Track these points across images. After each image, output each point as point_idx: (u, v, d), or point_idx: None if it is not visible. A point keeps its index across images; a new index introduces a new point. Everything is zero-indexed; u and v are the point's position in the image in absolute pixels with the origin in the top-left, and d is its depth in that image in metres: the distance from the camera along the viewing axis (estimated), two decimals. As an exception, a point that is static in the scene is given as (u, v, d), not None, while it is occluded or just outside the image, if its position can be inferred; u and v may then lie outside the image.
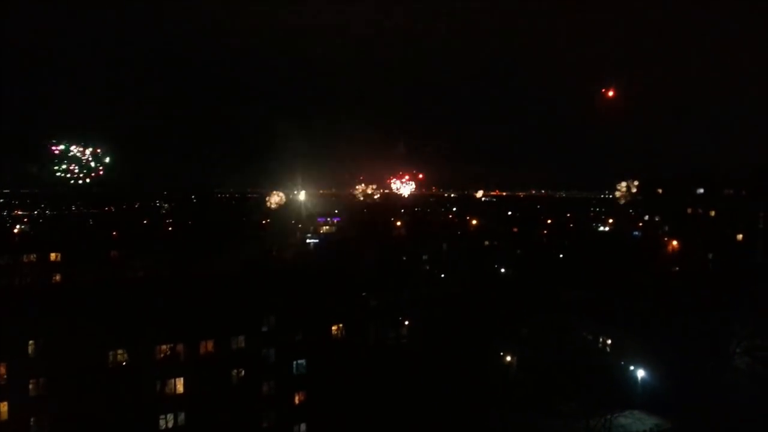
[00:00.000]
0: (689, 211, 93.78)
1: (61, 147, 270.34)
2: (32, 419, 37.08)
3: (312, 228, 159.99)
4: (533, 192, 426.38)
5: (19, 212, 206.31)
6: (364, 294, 58.49)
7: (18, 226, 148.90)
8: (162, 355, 40.82)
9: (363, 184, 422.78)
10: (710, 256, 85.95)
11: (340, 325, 47.97)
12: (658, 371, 53.47)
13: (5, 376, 36.75)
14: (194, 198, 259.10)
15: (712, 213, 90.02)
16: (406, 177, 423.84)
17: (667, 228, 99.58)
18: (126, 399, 38.67)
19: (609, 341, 60.22)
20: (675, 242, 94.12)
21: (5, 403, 36.60)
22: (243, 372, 43.41)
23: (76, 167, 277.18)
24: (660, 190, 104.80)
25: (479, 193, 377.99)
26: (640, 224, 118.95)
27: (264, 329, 44.56)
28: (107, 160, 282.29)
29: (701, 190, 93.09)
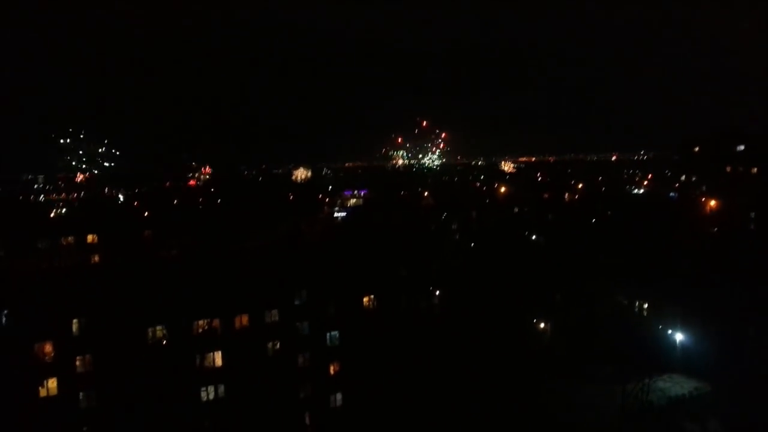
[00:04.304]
0: (728, 169, 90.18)
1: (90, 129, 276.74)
2: (81, 394, 38.55)
3: (339, 201, 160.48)
4: (563, 156, 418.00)
5: (55, 196, 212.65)
6: (393, 265, 58.45)
7: (55, 210, 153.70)
8: (200, 330, 41.74)
9: (389, 155, 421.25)
10: (752, 215, 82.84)
11: (371, 296, 48.15)
12: (698, 335, 52.34)
13: (53, 354, 38.17)
14: (221, 176, 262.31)
15: (754, 170, 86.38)
16: (434, 144, 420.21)
17: (704, 188, 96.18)
18: (168, 373, 39.83)
19: (645, 305, 59.09)
20: (713, 202, 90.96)
21: (54, 379, 38.10)
22: (278, 345, 44.13)
23: (104, 149, 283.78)
24: (697, 149, 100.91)
25: (507, 161, 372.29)
26: (677, 185, 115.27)
27: (297, 302, 45.05)
28: (135, 140, 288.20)
29: (741, 147, 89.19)
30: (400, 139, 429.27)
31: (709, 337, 51.00)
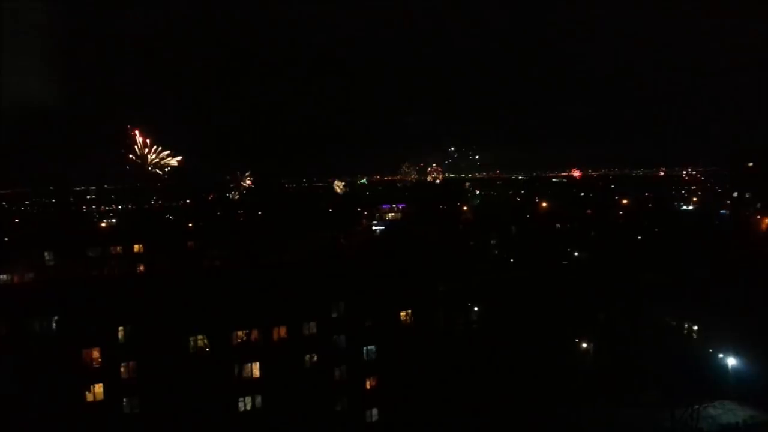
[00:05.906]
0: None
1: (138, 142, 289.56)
2: (125, 400, 39.62)
3: (377, 215, 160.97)
4: (608, 170, 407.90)
5: (105, 207, 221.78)
6: (431, 280, 58.10)
7: (104, 220, 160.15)
8: (239, 341, 42.37)
9: (427, 169, 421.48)
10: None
11: (409, 311, 47.82)
12: (753, 359, 49.66)
13: (100, 360, 39.43)
14: (262, 189, 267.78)
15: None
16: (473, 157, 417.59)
17: (759, 205, 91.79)
18: (208, 381, 40.51)
19: (695, 327, 56.59)
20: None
21: (101, 384, 39.33)
22: (315, 357, 44.30)
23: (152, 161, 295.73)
24: (750, 164, 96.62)
25: (549, 175, 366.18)
26: (728, 202, 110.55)
27: (334, 316, 45.19)
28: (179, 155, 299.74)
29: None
30: (438, 152, 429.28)
31: (765, 362, 48.30)
